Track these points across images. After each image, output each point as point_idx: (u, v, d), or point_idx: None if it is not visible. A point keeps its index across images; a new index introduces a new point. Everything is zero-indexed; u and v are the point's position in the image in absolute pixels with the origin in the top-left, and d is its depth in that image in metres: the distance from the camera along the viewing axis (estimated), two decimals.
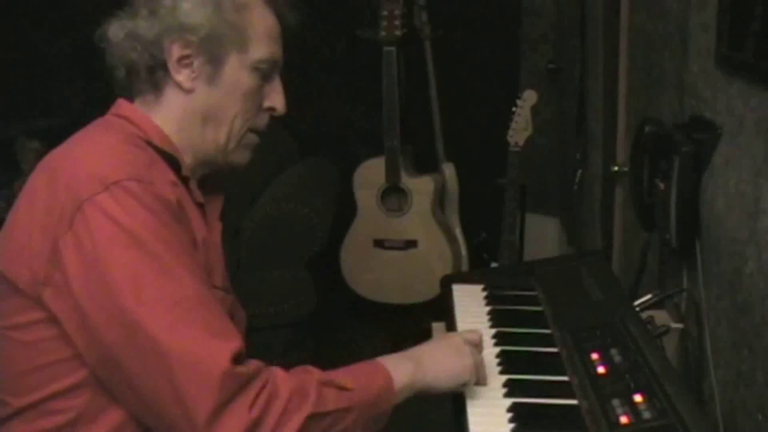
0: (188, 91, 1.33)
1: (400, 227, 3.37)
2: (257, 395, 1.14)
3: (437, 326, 1.73)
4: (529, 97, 2.92)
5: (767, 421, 1.24)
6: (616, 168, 2.26)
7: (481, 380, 1.35)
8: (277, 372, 1.20)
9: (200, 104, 1.34)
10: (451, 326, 1.61)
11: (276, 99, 1.40)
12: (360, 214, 3.41)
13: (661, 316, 1.63)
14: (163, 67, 1.31)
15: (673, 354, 1.66)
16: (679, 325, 1.65)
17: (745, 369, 1.33)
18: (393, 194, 3.37)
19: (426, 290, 3.16)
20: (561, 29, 3.65)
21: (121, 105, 1.37)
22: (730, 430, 1.38)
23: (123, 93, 1.37)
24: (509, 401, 1.28)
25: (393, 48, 3.20)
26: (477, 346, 1.39)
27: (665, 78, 1.84)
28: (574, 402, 1.28)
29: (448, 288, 1.76)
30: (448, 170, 3.46)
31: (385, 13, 3.18)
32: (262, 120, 1.40)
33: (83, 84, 3.79)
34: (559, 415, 1.25)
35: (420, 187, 3.35)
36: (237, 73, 1.33)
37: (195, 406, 1.11)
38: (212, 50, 1.31)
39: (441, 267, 3.25)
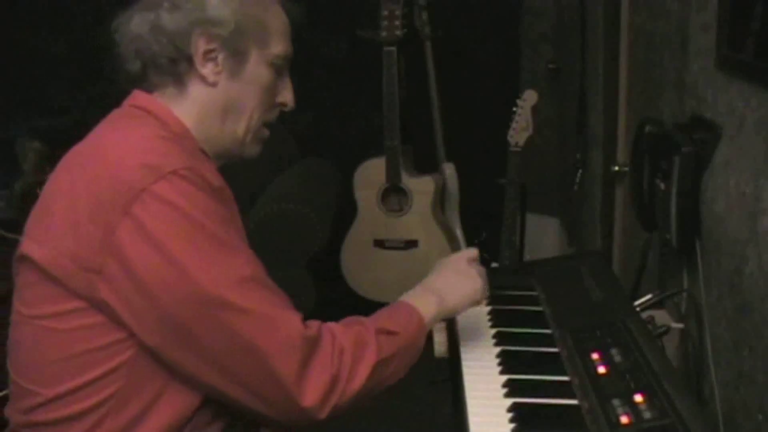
0: (212, 85, 1.35)
1: (401, 227, 3.37)
2: (331, 351, 1.24)
3: (437, 326, 1.73)
4: (529, 97, 2.92)
5: (767, 421, 1.25)
6: (616, 168, 2.26)
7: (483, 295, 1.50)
8: (335, 327, 1.29)
9: (222, 98, 1.36)
10: (451, 326, 1.61)
11: (287, 94, 1.44)
12: (360, 214, 3.41)
13: (661, 316, 1.63)
14: (188, 60, 1.33)
15: (674, 354, 1.66)
16: (680, 325, 1.65)
17: (745, 369, 1.33)
18: (393, 194, 3.37)
19: None
20: (561, 29, 3.65)
21: (139, 96, 1.37)
22: (730, 430, 1.38)
23: (134, 86, 1.38)
24: (509, 401, 1.28)
25: (393, 48, 3.20)
26: (476, 260, 1.54)
27: (665, 78, 1.84)
28: (574, 402, 1.28)
29: None
30: (449, 170, 3.45)
31: (386, 13, 3.18)
32: (274, 114, 1.44)
33: (83, 84, 3.79)
34: (560, 415, 1.25)
35: (420, 187, 3.34)
36: (258, 68, 1.37)
37: (282, 368, 1.19)
38: (236, 45, 1.34)
39: None
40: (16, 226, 2.99)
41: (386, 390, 1.33)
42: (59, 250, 1.20)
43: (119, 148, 1.25)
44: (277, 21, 1.40)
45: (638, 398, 1.21)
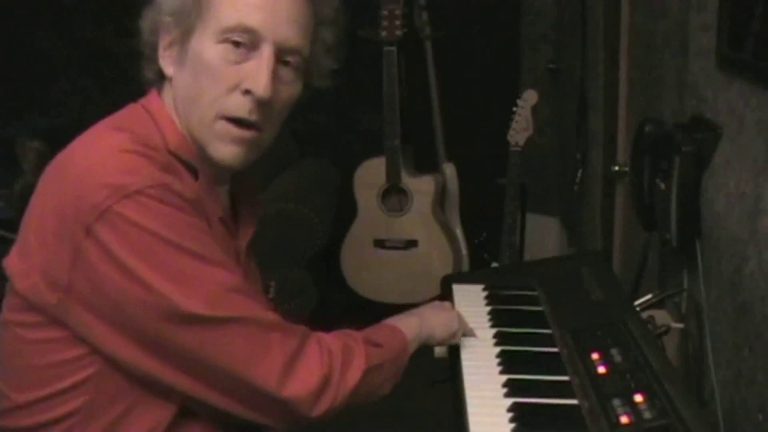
0: (171, 79, 1.26)
1: (401, 227, 3.37)
2: (318, 351, 1.22)
3: None
4: (529, 97, 2.92)
5: (767, 421, 1.24)
6: (616, 168, 2.26)
7: (468, 331, 1.51)
8: (323, 334, 1.28)
9: (179, 90, 1.25)
10: None
11: (252, 78, 1.20)
12: (360, 214, 3.41)
13: (661, 316, 1.63)
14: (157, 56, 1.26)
15: (674, 354, 1.66)
16: (680, 325, 1.65)
17: (745, 369, 1.33)
18: (393, 194, 3.37)
19: (426, 290, 3.15)
20: (561, 29, 3.66)
21: (150, 96, 1.30)
22: (730, 430, 1.38)
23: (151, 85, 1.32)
24: (509, 401, 1.28)
25: (393, 48, 3.20)
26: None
27: (665, 78, 1.84)
28: (574, 402, 1.27)
29: (449, 288, 1.76)
30: (449, 170, 3.46)
31: (385, 13, 3.18)
32: (235, 104, 1.21)
33: (83, 84, 3.79)
34: (560, 415, 1.25)
35: (420, 187, 3.35)
36: (200, 45, 1.21)
37: (264, 372, 1.17)
38: (182, 28, 1.22)
39: (441, 267, 3.25)
40: (16, 226, 3.00)
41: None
42: (30, 265, 1.17)
43: (85, 163, 1.17)
44: None
45: (638, 398, 1.21)
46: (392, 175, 3.32)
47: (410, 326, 1.42)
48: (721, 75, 1.44)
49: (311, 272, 3.11)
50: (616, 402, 1.21)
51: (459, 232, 3.46)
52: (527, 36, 3.80)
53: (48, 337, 1.18)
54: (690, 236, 1.55)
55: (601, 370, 1.31)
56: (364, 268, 3.41)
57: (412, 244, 3.37)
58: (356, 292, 3.45)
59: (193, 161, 1.25)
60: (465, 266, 3.41)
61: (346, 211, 3.40)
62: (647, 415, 1.17)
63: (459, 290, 1.74)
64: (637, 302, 1.64)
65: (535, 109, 2.93)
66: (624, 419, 1.17)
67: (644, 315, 1.57)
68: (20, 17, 3.78)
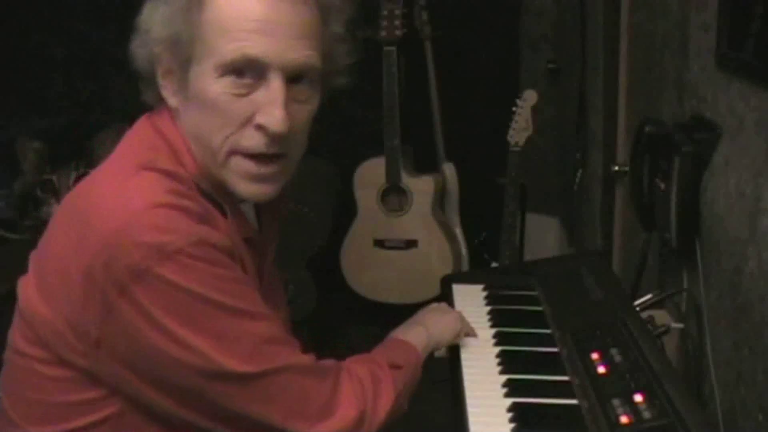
0: (176, 110, 1.17)
1: (401, 227, 3.37)
2: (352, 388, 1.21)
3: None
4: (529, 97, 2.92)
5: (767, 421, 1.24)
6: (616, 168, 2.26)
7: (469, 330, 1.52)
8: (351, 365, 1.27)
9: (187, 125, 1.17)
10: None
11: (264, 113, 1.11)
12: (360, 214, 3.41)
13: (661, 316, 1.63)
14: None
15: (673, 354, 1.66)
16: (679, 325, 1.65)
17: (745, 369, 1.33)
18: (393, 194, 3.37)
19: (426, 290, 3.15)
20: (561, 29, 3.65)
21: (162, 118, 1.20)
22: (730, 430, 1.38)
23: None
24: (509, 401, 1.28)
25: (393, 48, 3.20)
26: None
27: (665, 78, 1.84)
28: (574, 402, 1.28)
29: (448, 288, 1.76)
30: (448, 170, 3.45)
31: (385, 12, 3.18)
32: (249, 140, 1.13)
33: (83, 84, 3.79)
34: (560, 415, 1.25)
35: (420, 186, 3.34)
36: (199, 80, 1.12)
37: (303, 417, 1.15)
38: (178, 59, 1.13)
39: (441, 267, 3.25)
40: (16, 226, 3.00)
41: None
42: (55, 313, 1.11)
43: (116, 217, 1.07)
44: (224, 13, 1.11)
45: (638, 398, 1.21)
46: (392, 175, 3.32)
47: (419, 339, 1.42)
48: (721, 75, 1.44)
49: (311, 272, 3.10)
50: (616, 402, 1.21)
51: (459, 232, 3.45)
52: (527, 36, 3.80)
53: (67, 376, 1.13)
54: (690, 236, 1.55)
55: (601, 370, 1.31)
56: (364, 268, 3.41)
57: (412, 244, 3.36)
58: (356, 292, 3.44)
59: (216, 193, 1.18)
60: (465, 266, 3.41)
61: (346, 211, 3.39)
62: (647, 415, 1.17)
63: (459, 290, 1.75)
64: (637, 302, 1.64)
65: (535, 109, 2.93)
66: (624, 419, 1.17)
67: (644, 315, 1.57)
68: (20, 17, 3.78)
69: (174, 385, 1.11)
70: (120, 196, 1.09)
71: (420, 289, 3.25)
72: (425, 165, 3.47)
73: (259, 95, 1.12)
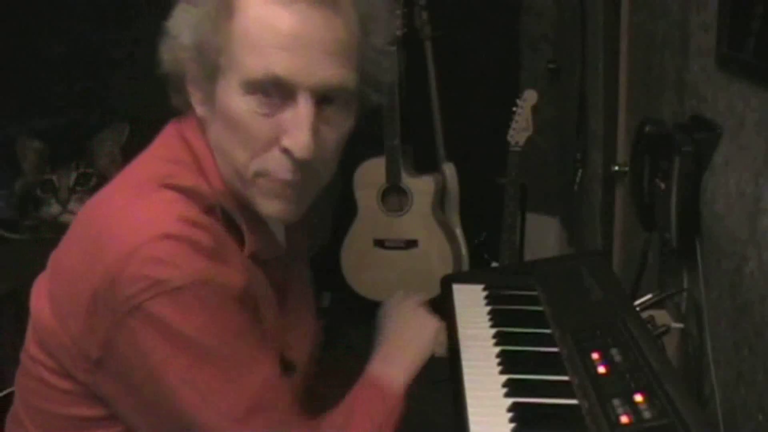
0: (204, 120, 1.11)
1: (401, 227, 3.37)
2: None
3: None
4: (529, 97, 2.92)
5: (767, 421, 1.24)
6: (616, 168, 2.26)
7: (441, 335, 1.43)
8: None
9: (213, 138, 1.10)
10: (451, 326, 1.61)
11: (290, 136, 1.04)
12: (360, 214, 3.41)
13: (661, 316, 1.63)
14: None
15: (674, 354, 1.66)
16: (680, 325, 1.65)
17: (745, 369, 1.33)
18: (393, 194, 3.37)
19: (426, 290, 3.15)
20: (561, 29, 3.65)
21: (191, 127, 1.13)
22: (730, 430, 1.38)
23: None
24: (509, 401, 1.28)
25: (393, 48, 3.20)
26: (417, 304, 1.45)
27: (665, 78, 1.84)
28: (574, 402, 1.27)
29: (448, 288, 1.76)
30: (448, 170, 3.46)
31: None
32: (274, 163, 1.06)
33: (83, 84, 3.79)
34: (560, 415, 1.25)
35: (420, 186, 3.34)
36: (225, 95, 1.06)
37: None
38: (205, 69, 1.07)
39: (441, 267, 3.25)
40: (16, 226, 3.00)
41: None
42: (62, 327, 1.09)
43: (126, 240, 1.02)
44: (253, 28, 1.03)
45: (638, 398, 1.21)
46: (392, 175, 3.32)
47: (397, 374, 1.30)
48: (721, 75, 1.44)
49: (311, 272, 3.10)
50: (616, 402, 1.21)
51: (459, 232, 3.45)
52: (527, 36, 3.80)
53: (71, 389, 1.11)
54: (690, 236, 1.55)
55: (601, 370, 1.31)
56: (364, 268, 3.41)
57: (412, 244, 3.36)
58: (356, 292, 3.44)
59: (240, 211, 1.12)
60: (465, 266, 3.41)
61: (346, 211, 3.39)
62: (647, 415, 1.17)
63: (459, 290, 1.75)
64: (637, 302, 1.64)
65: (535, 109, 2.93)
66: (624, 419, 1.17)
67: (644, 315, 1.57)
68: (20, 17, 3.78)
69: (157, 418, 1.08)
70: (132, 217, 1.05)
71: (420, 289, 3.24)
72: (425, 165, 3.47)
73: (286, 116, 1.04)
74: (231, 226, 1.11)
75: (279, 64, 1.02)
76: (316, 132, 1.04)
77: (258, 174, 1.07)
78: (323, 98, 1.06)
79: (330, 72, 1.04)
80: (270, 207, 1.10)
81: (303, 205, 1.13)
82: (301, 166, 1.06)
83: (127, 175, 1.15)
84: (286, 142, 1.04)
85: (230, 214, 1.11)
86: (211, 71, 1.05)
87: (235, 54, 1.03)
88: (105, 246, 1.04)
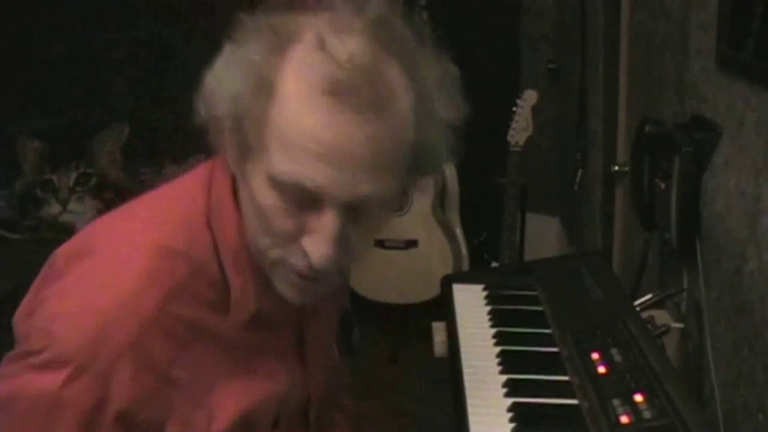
0: (238, 179, 1.00)
1: (401, 227, 3.36)
2: None
3: (437, 326, 1.73)
4: (529, 97, 2.92)
5: (767, 421, 1.24)
6: (616, 168, 2.26)
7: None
8: None
9: (242, 201, 1.00)
10: (451, 326, 1.61)
11: (311, 241, 0.93)
12: None
13: (661, 316, 1.63)
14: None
15: (674, 354, 1.66)
16: (680, 325, 1.65)
17: (745, 369, 1.33)
18: None
19: (426, 290, 3.15)
20: (561, 29, 3.65)
21: (221, 172, 1.03)
22: (730, 430, 1.38)
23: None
24: (509, 401, 1.28)
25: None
26: None
27: (665, 78, 1.84)
28: (574, 402, 1.28)
29: (449, 288, 1.76)
30: (448, 170, 3.45)
31: None
32: (295, 259, 0.96)
33: (83, 84, 3.79)
34: (560, 414, 1.25)
35: (420, 186, 3.34)
36: (253, 179, 0.95)
37: None
38: (238, 142, 0.96)
39: (441, 267, 3.25)
40: (16, 226, 3.00)
41: (388, 390, 1.30)
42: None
43: (78, 293, 0.95)
44: (291, 125, 0.89)
45: (638, 398, 1.21)
46: None
47: None
48: (721, 75, 1.44)
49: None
50: (616, 402, 1.21)
51: (459, 232, 3.45)
52: (527, 36, 3.80)
53: None
54: (690, 236, 1.55)
55: (601, 370, 1.31)
56: (364, 268, 3.41)
57: (412, 244, 3.36)
58: (356, 292, 3.44)
59: (248, 269, 1.02)
60: (465, 266, 3.41)
61: None
62: (647, 415, 1.17)
63: (459, 290, 1.75)
64: (637, 302, 1.64)
65: (535, 109, 2.93)
66: (624, 419, 1.17)
67: (644, 315, 1.57)
68: (20, 17, 3.78)
69: None
70: (108, 277, 0.96)
71: (420, 289, 3.25)
72: None
73: (311, 219, 0.93)
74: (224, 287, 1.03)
75: (310, 176, 0.90)
76: (340, 240, 0.94)
77: (278, 263, 0.98)
78: (354, 208, 0.94)
79: (366, 187, 0.92)
80: (286, 292, 1.00)
81: (321, 294, 1.04)
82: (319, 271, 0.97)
83: (137, 209, 1.07)
84: (307, 244, 0.94)
85: (226, 275, 1.02)
86: (244, 147, 0.94)
87: (267, 145, 0.92)
88: (78, 288, 0.97)
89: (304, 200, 0.92)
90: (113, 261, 0.97)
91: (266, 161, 0.92)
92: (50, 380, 0.91)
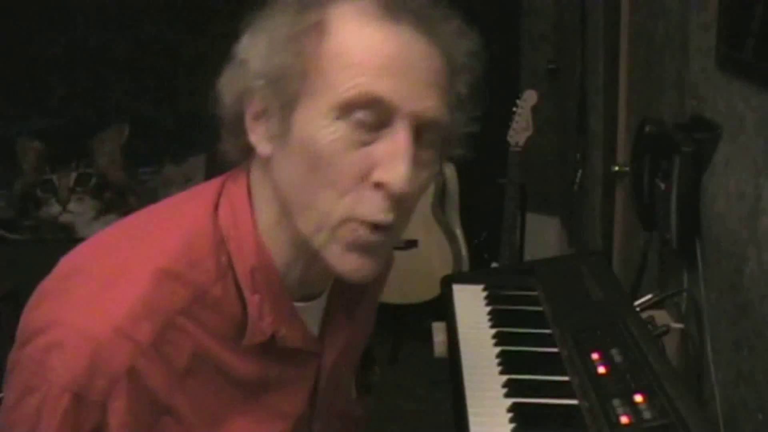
0: (266, 160, 0.97)
1: None
2: None
3: (437, 326, 1.74)
4: (529, 97, 2.92)
5: (767, 421, 1.24)
6: (616, 168, 2.26)
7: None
8: None
9: (281, 181, 0.96)
10: (451, 326, 1.61)
11: (385, 168, 0.90)
12: None
13: (661, 316, 1.63)
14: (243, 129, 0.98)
15: (674, 354, 1.66)
16: (680, 325, 1.65)
17: (745, 369, 1.33)
18: None
19: (426, 290, 3.15)
20: (561, 29, 3.65)
21: (237, 186, 1.01)
22: (730, 430, 1.38)
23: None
24: (509, 401, 1.28)
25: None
26: None
27: (666, 78, 1.84)
28: (574, 402, 1.28)
29: (449, 288, 1.76)
30: (448, 170, 3.45)
31: None
32: (369, 204, 0.91)
33: (83, 84, 3.79)
34: (560, 415, 1.25)
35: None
36: (308, 123, 0.92)
37: None
38: (282, 97, 0.93)
39: (441, 267, 3.24)
40: (16, 226, 3.00)
41: (388, 390, 1.30)
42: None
43: (69, 314, 0.92)
44: (349, 47, 0.91)
45: (638, 398, 1.21)
46: None
47: None
48: (721, 75, 1.44)
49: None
50: (616, 402, 1.21)
51: (459, 232, 3.45)
52: (527, 36, 3.80)
53: None
54: (690, 236, 1.55)
55: (601, 370, 1.31)
56: None
57: (412, 244, 3.36)
58: None
59: (266, 292, 0.99)
60: (465, 266, 3.41)
61: None
62: (647, 415, 1.17)
63: (459, 290, 1.75)
64: (637, 302, 1.64)
65: (535, 110, 2.93)
66: (624, 419, 1.17)
67: (644, 315, 1.57)
68: (20, 17, 3.78)
69: None
70: (104, 302, 0.93)
71: (420, 289, 3.25)
72: None
73: (380, 148, 0.91)
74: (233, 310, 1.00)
75: (380, 83, 0.90)
76: (413, 164, 0.92)
77: (345, 219, 0.93)
78: (416, 132, 0.94)
79: (430, 102, 0.94)
80: (352, 262, 0.95)
81: (381, 261, 0.99)
82: (396, 204, 0.93)
83: (144, 223, 1.04)
84: (382, 174, 0.91)
85: (244, 292, 0.99)
86: (290, 99, 0.93)
87: (328, 75, 0.91)
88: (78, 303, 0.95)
89: (372, 123, 0.90)
90: (110, 285, 0.94)
91: (327, 93, 0.90)
92: (49, 413, 0.90)
